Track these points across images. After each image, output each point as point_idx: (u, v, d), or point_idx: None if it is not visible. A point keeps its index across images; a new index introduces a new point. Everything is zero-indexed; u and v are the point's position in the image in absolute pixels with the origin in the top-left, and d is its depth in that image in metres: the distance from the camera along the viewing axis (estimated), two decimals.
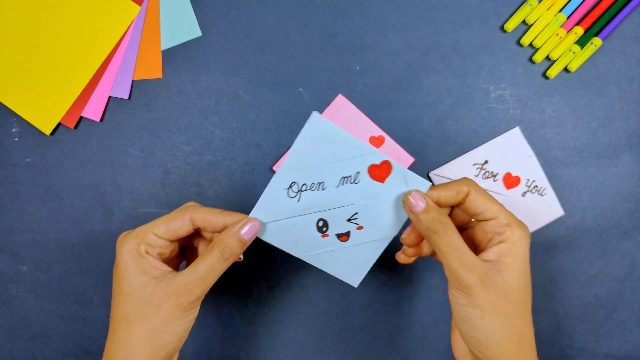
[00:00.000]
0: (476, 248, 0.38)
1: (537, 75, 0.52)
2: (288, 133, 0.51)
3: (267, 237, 0.38)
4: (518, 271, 0.35)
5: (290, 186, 0.37)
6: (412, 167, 0.51)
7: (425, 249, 0.41)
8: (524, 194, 0.51)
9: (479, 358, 0.35)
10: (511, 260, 0.35)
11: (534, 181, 0.51)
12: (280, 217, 0.38)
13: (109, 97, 0.52)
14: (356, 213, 0.38)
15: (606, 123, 0.51)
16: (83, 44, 0.51)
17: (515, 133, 0.51)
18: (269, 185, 0.37)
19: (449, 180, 0.49)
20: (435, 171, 0.51)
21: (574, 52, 0.50)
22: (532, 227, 0.51)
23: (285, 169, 0.37)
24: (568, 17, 0.51)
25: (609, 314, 0.51)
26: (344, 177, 0.37)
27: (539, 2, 0.51)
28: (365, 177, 0.37)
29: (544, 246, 0.51)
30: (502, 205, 0.36)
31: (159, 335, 0.35)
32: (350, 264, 0.40)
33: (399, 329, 0.52)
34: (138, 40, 0.52)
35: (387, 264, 0.52)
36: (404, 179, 0.37)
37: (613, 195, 0.51)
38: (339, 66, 0.52)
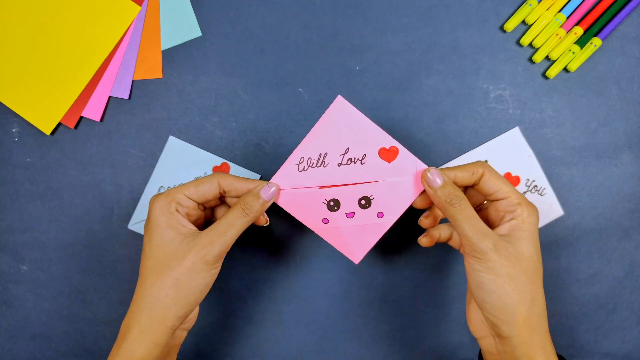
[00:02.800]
0: (490, 226, 0.40)
1: (537, 75, 0.52)
2: (288, 133, 0.51)
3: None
4: (528, 242, 0.38)
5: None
6: None
7: (443, 234, 0.44)
8: (523, 193, 0.51)
9: (494, 323, 0.37)
10: (522, 233, 0.38)
11: (534, 181, 0.51)
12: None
13: (109, 97, 0.52)
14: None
15: (606, 123, 0.51)
16: (83, 44, 0.52)
17: (515, 133, 0.51)
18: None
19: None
20: None
21: (573, 52, 0.50)
22: None
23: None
24: (568, 17, 0.51)
25: (608, 313, 0.51)
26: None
27: (539, 2, 0.51)
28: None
29: (544, 246, 0.51)
30: (513, 187, 0.39)
31: (182, 284, 0.37)
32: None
33: (399, 329, 0.52)
34: (138, 40, 0.52)
35: (387, 265, 0.52)
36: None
37: (613, 195, 0.51)
38: (339, 66, 0.52)
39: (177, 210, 0.39)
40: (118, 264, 0.52)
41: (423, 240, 0.44)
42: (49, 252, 0.52)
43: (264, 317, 0.52)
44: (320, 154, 0.41)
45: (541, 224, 0.51)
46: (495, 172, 0.40)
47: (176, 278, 0.37)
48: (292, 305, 0.52)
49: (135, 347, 0.38)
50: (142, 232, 0.51)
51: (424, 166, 0.40)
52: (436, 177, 0.39)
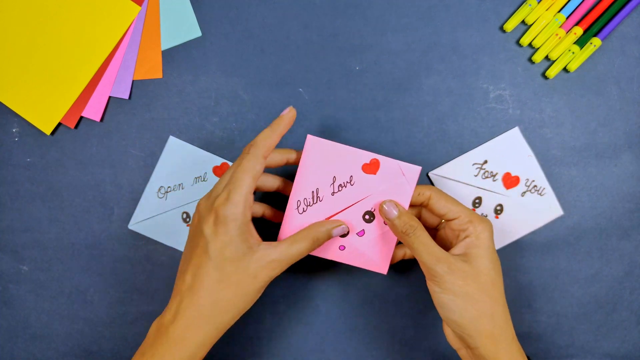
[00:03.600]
0: (448, 246, 0.43)
1: (537, 76, 0.52)
2: (288, 133, 0.51)
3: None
4: (483, 258, 0.40)
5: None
6: None
7: (408, 253, 0.47)
8: (523, 193, 0.51)
9: (461, 337, 0.40)
10: (476, 250, 0.40)
11: (534, 181, 0.51)
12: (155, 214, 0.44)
13: (109, 97, 0.52)
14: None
15: (606, 123, 0.51)
16: (83, 44, 0.52)
17: (515, 133, 0.51)
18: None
19: (448, 180, 0.51)
20: (435, 171, 0.51)
21: (573, 52, 0.50)
22: (531, 227, 0.51)
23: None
24: (567, 17, 0.51)
25: (608, 313, 0.51)
26: (196, 177, 0.46)
27: (539, 2, 0.51)
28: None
29: (543, 246, 0.51)
30: (463, 206, 0.42)
31: (247, 299, 0.39)
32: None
33: (399, 329, 0.52)
34: (138, 40, 0.52)
35: None
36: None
37: (612, 195, 0.51)
38: (338, 66, 0.52)
39: (250, 221, 0.39)
40: (118, 264, 0.52)
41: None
42: (49, 252, 0.52)
43: (263, 317, 0.52)
44: (313, 192, 0.43)
45: (540, 224, 0.51)
46: (444, 194, 0.43)
47: (246, 294, 0.39)
48: (292, 305, 0.52)
49: (196, 352, 0.38)
50: (142, 232, 0.51)
51: (408, 165, 0.42)
52: (392, 209, 0.41)
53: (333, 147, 0.42)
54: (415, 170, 0.42)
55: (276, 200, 0.50)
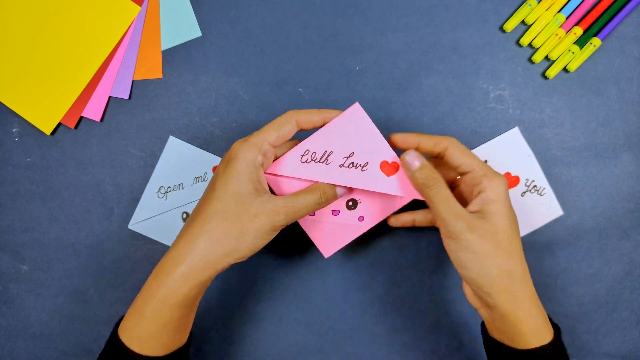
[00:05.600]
0: (464, 204, 0.41)
1: (537, 76, 0.52)
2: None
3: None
4: (500, 215, 0.39)
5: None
6: None
7: (419, 218, 0.46)
8: (523, 193, 0.51)
9: (479, 296, 0.39)
10: (492, 206, 0.39)
11: (533, 181, 0.51)
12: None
13: (109, 97, 0.52)
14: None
15: (605, 123, 0.51)
16: (83, 44, 0.52)
17: (515, 133, 0.51)
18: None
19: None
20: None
21: (573, 52, 0.51)
22: (531, 227, 0.51)
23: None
24: (567, 18, 0.51)
25: (608, 313, 0.51)
26: (196, 177, 0.45)
27: (538, 2, 0.51)
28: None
29: (543, 246, 0.51)
30: (478, 159, 0.41)
31: (246, 237, 0.38)
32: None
33: (399, 329, 0.52)
34: (138, 41, 0.52)
35: (386, 264, 0.52)
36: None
37: (612, 195, 0.51)
38: (338, 66, 0.52)
39: (261, 165, 0.39)
40: (118, 264, 0.52)
41: (392, 220, 0.47)
42: (49, 252, 0.52)
43: (263, 316, 0.52)
44: (326, 152, 0.41)
45: (540, 223, 0.51)
46: (462, 146, 0.41)
47: (242, 231, 0.37)
48: (292, 305, 0.52)
49: (180, 284, 0.37)
50: (142, 232, 0.51)
51: (415, 193, 0.41)
52: (414, 160, 0.40)
53: (370, 127, 0.41)
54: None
55: None
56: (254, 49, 0.52)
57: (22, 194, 0.52)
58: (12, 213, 0.52)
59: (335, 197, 0.42)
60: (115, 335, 0.38)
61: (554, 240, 0.51)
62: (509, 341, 0.39)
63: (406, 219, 0.46)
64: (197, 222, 0.38)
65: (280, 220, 0.38)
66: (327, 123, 0.41)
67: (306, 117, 0.41)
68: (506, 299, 0.38)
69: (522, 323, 0.38)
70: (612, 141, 0.51)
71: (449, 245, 0.39)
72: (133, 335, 0.37)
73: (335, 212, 0.44)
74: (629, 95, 0.51)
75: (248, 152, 0.38)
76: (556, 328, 0.40)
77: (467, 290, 0.42)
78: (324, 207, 0.41)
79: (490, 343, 0.41)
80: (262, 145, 0.39)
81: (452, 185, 0.45)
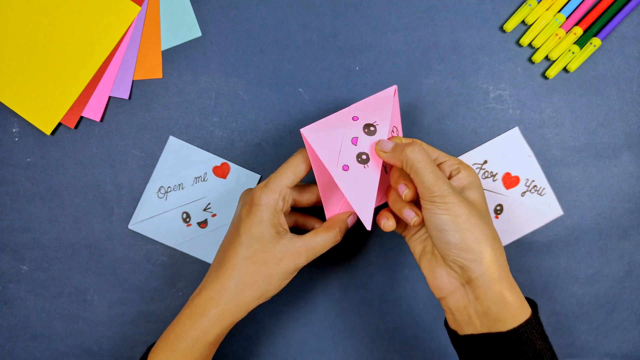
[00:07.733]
0: None
1: (537, 76, 0.52)
2: (288, 133, 0.51)
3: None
4: (477, 191, 0.41)
5: (159, 189, 0.51)
6: None
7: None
8: (523, 193, 0.51)
9: (462, 266, 0.38)
10: (469, 184, 0.41)
11: (533, 181, 0.51)
12: (155, 214, 0.51)
13: (109, 97, 0.52)
14: (209, 204, 0.51)
15: (605, 123, 0.51)
16: (83, 44, 0.52)
17: (515, 133, 0.51)
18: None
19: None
20: None
21: (573, 52, 0.51)
22: (531, 227, 0.51)
23: (154, 177, 0.51)
24: (567, 17, 0.51)
25: (608, 313, 0.51)
26: (196, 178, 0.51)
27: (538, 2, 0.51)
28: (211, 175, 0.50)
29: (543, 246, 0.51)
30: (449, 155, 0.43)
31: (271, 280, 0.41)
32: (211, 247, 0.49)
33: (399, 329, 0.52)
34: (138, 41, 0.52)
35: (386, 264, 0.52)
36: (244, 175, 0.50)
37: (612, 195, 0.51)
38: (338, 66, 0.52)
39: (281, 209, 0.41)
40: (118, 264, 0.52)
41: (389, 224, 0.43)
42: (49, 252, 0.52)
43: (263, 317, 0.52)
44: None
45: (540, 223, 0.51)
46: (430, 146, 0.44)
47: (270, 274, 0.41)
48: (291, 305, 0.52)
49: (214, 325, 0.40)
50: (142, 232, 0.51)
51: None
52: (387, 144, 0.40)
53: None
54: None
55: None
56: (254, 49, 0.52)
57: (22, 194, 0.52)
58: (12, 213, 0.52)
59: (347, 228, 0.44)
60: None
61: (555, 240, 0.51)
62: (488, 324, 0.37)
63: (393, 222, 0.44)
64: (227, 267, 0.41)
65: (302, 262, 0.41)
66: (338, 216, 0.44)
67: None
68: (492, 265, 0.37)
69: (507, 291, 0.37)
70: (612, 141, 0.51)
71: (431, 209, 0.38)
72: None
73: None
74: (629, 95, 0.51)
75: (269, 198, 0.41)
76: (532, 304, 0.39)
77: (437, 273, 0.40)
78: (339, 242, 0.43)
79: (463, 340, 0.39)
80: (282, 190, 0.41)
81: None
